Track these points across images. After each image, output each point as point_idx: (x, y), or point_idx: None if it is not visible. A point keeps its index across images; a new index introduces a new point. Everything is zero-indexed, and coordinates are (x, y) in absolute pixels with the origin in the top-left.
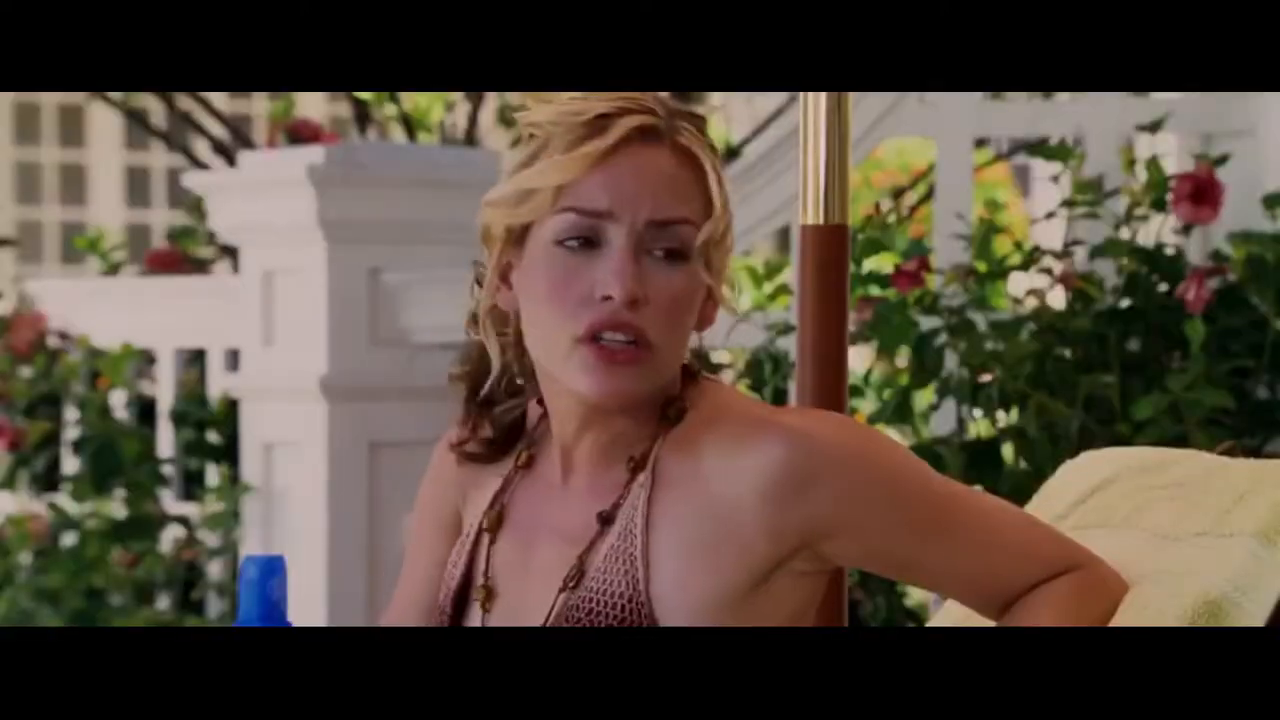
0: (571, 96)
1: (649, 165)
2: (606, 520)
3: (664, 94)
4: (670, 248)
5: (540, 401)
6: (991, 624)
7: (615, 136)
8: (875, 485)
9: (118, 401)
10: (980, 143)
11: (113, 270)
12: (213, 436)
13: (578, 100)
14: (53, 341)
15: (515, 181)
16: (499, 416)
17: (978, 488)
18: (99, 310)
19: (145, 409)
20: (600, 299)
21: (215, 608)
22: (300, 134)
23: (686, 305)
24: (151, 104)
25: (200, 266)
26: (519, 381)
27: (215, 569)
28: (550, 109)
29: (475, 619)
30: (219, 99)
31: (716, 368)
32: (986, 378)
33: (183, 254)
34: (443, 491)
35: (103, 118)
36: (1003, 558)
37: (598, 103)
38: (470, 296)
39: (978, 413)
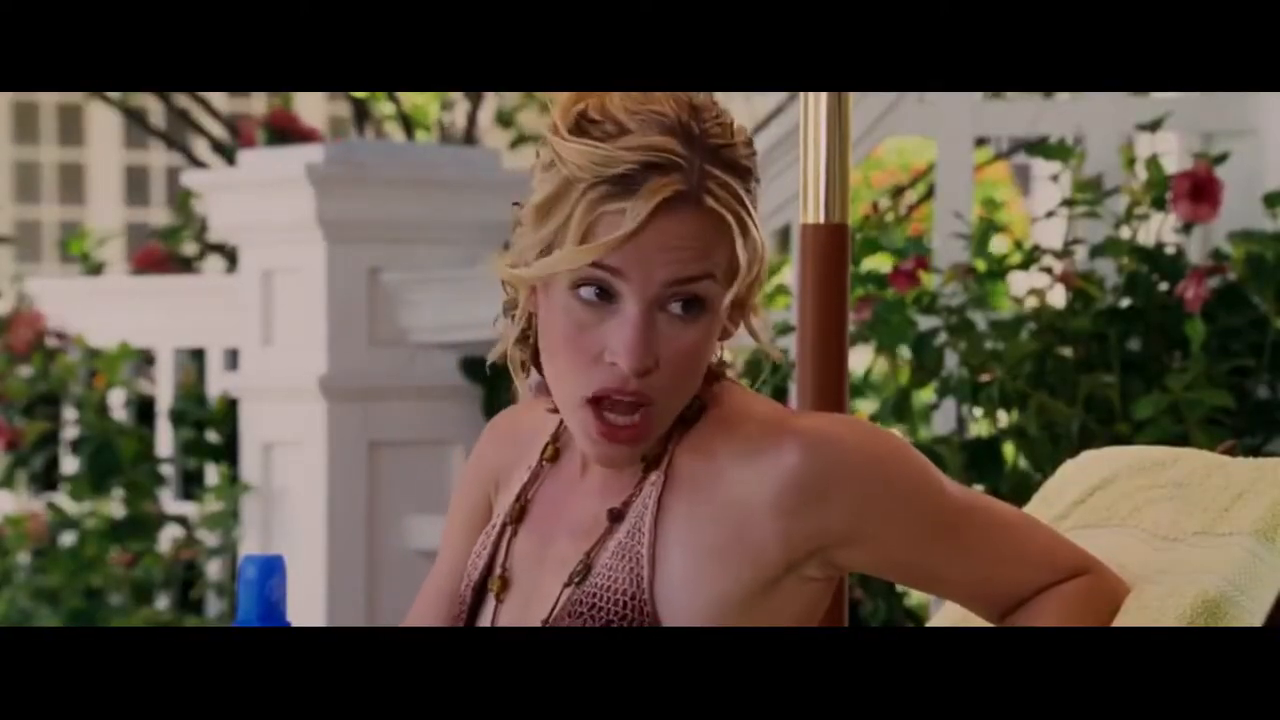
0: (602, 124)
1: (671, 232)
2: (616, 517)
3: (696, 127)
4: (688, 300)
5: None
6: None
7: (641, 217)
8: (891, 496)
9: (116, 401)
10: (980, 142)
11: (96, 270)
12: (212, 436)
13: (604, 147)
14: (51, 341)
15: (539, 266)
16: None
17: (978, 488)
18: (97, 309)
19: (144, 408)
20: (609, 363)
21: (214, 608)
22: (285, 129)
23: (700, 358)
24: (150, 104)
25: (187, 265)
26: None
27: (214, 569)
28: (574, 149)
29: (489, 609)
30: (218, 99)
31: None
32: (986, 377)
33: (169, 253)
34: (477, 482)
35: (102, 117)
36: (1013, 566)
37: (624, 151)
38: (499, 322)
39: (978, 412)
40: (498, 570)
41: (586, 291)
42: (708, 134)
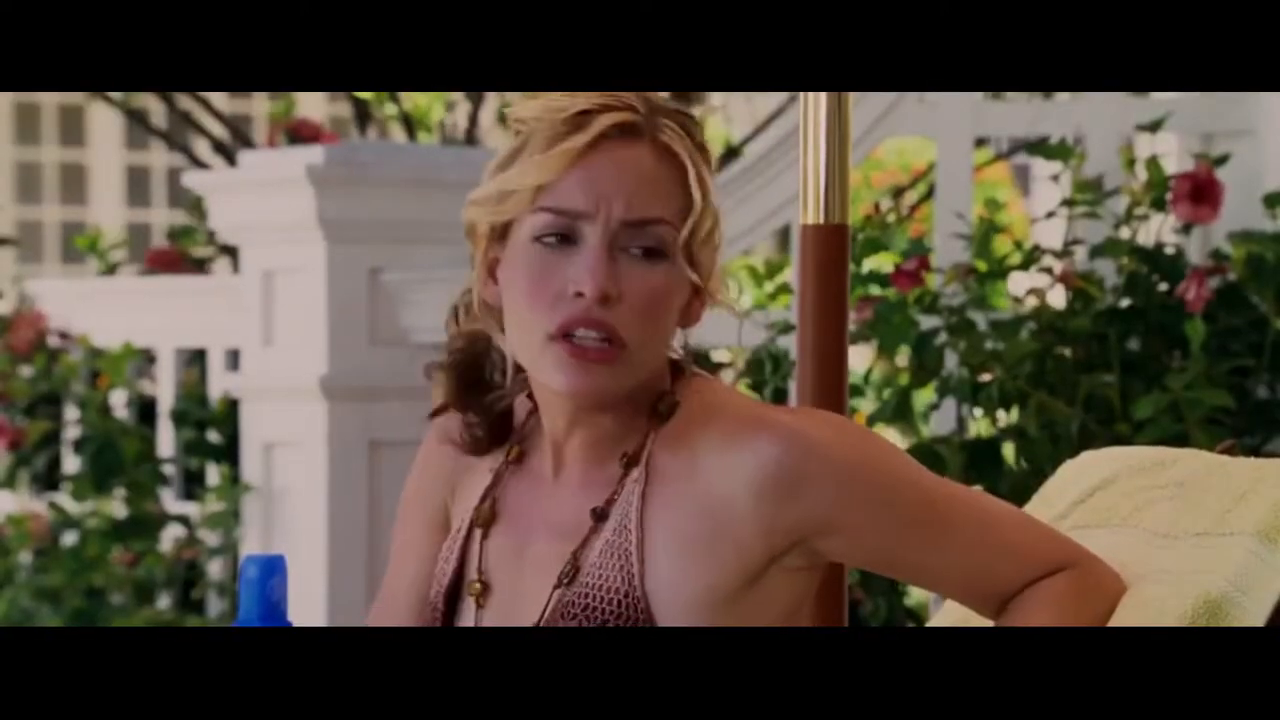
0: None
1: (626, 163)
2: (600, 516)
3: (659, 93)
4: (647, 246)
5: (530, 396)
6: (990, 623)
7: (592, 133)
8: (869, 484)
9: (118, 401)
10: (980, 142)
11: (111, 270)
12: (213, 436)
13: (562, 97)
14: (53, 341)
15: (497, 181)
16: (489, 405)
17: (978, 488)
18: (99, 310)
19: (145, 408)
20: (573, 295)
21: (215, 607)
22: (300, 134)
23: (664, 303)
24: (152, 104)
25: (199, 266)
26: (505, 374)
27: (215, 568)
28: (534, 105)
29: (469, 614)
30: (219, 99)
31: (716, 367)
32: (986, 377)
33: (182, 253)
34: (430, 488)
35: (103, 117)
36: (998, 556)
37: (580, 99)
38: (450, 328)
39: (978, 412)
40: (473, 575)
41: (549, 239)
42: (662, 101)
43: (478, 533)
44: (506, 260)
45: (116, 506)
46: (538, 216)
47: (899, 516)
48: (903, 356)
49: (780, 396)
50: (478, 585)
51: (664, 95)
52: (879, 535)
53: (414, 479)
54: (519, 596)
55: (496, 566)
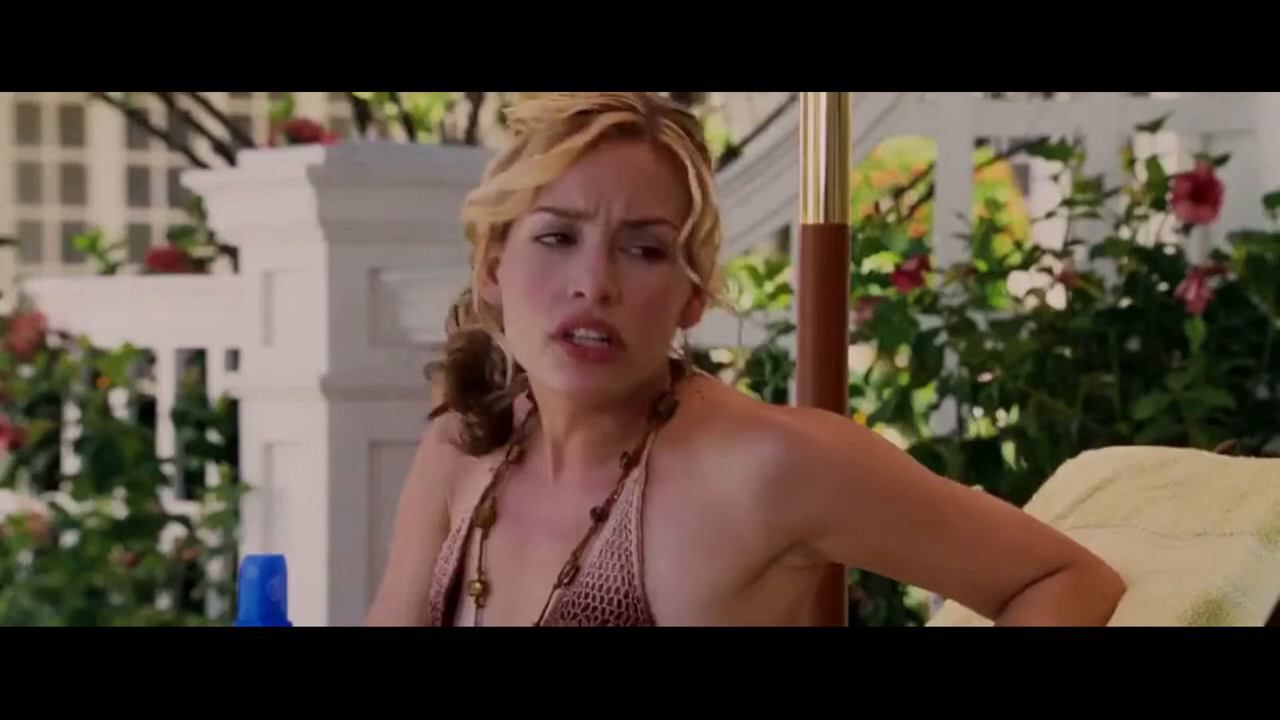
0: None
1: (626, 163)
2: (600, 516)
3: (660, 93)
4: (647, 246)
5: (530, 396)
6: (990, 623)
7: (592, 134)
8: (868, 484)
9: (118, 401)
10: (980, 142)
11: (110, 270)
12: (213, 436)
13: (562, 97)
14: (53, 341)
15: (497, 181)
16: (489, 405)
17: (978, 488)
18: (99, 310)
19: (145, 408)
20: (573, 295)
21: (215, 607)
22: (301, 134)
23: (663, 303)
24: (151, 104)
25: (200, 266)
26: (505, 374)
27: (215, 568)
28: (534, 104)
29: (469, 614)
30: (219, 99)
31: (716, 367)
32: (986, 377)
33: (182, 253)
34: (430, 488)
35: (103, 117)
36: (997, 556)
37: (580, 99)
38: (451, 328)
39: (978, 412)
40: (473, 575)
41: (549, 239)
42: (662, 101)
43: (478, 533)
44: (506, 260)
45: (116, 506)
46: (537, 216)
47: (899, 516)
48: (903, 356)
49: (780, 396)
50: (478, 585)
51: (664, 95)
52: (879, 535)
53: (413, 479)
54: (519, 596)
55: (496, 566)
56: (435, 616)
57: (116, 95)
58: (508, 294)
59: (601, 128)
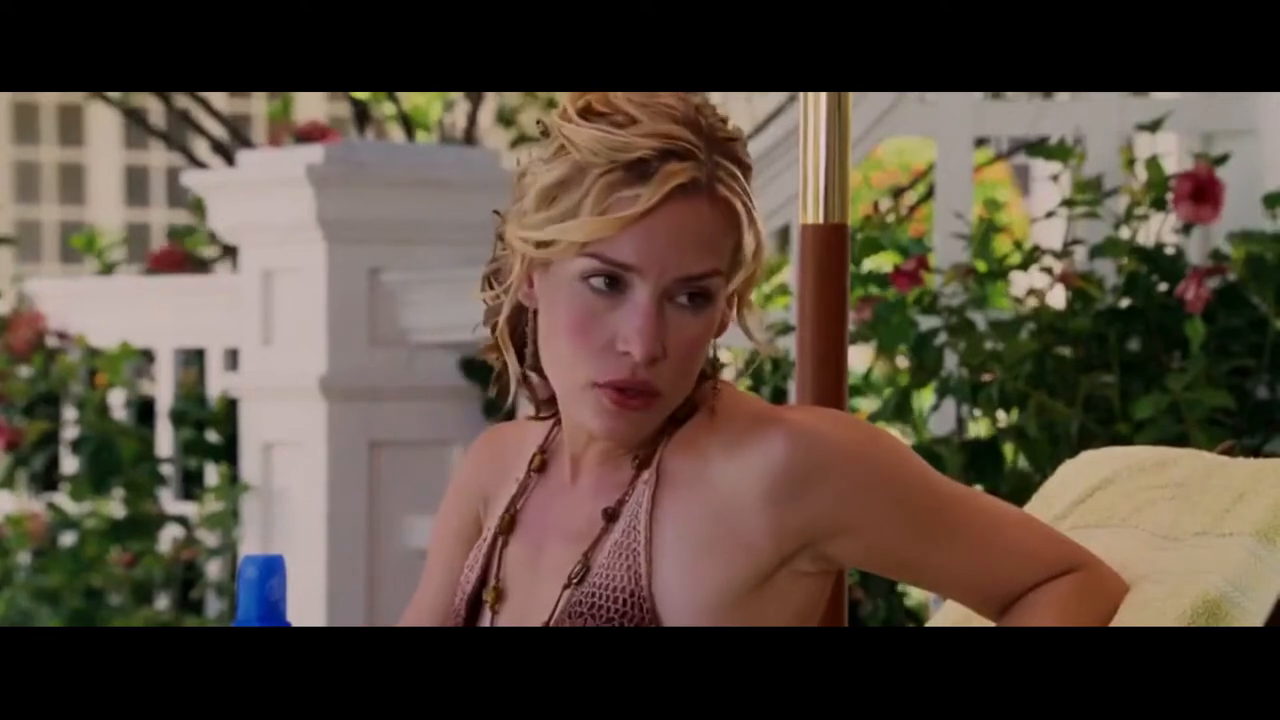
0: (612, 115)
1: (684, 224)
2: (611, 517)
3: (704, 121)
4: (695, 293)
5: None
6: (991, 624)
7: (655, 198)
8: (878, 485)
9: (116, 401)
10: (980, 142)
11: (108, 270)
12: (212, 436)
13: (620, 134)
14: (51, 341)
15: (544, 223)
16: (538, 388)
17: (978, 488)
18: (97, 310)
19: (144, 408)
20: (620, 353)
21: (214, 607)
22: (310, 136)
23: (701, 349)
24: (150, 104)
25: (202, 266)
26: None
27: (214, 569)
28: (587, 135)
29: (485, 619)
30: (218, 99)
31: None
32: (986, 378)
33: (185, 253)
34: (464, 500)
35: (102, 117)
36: (1004, 558)
37: (638, 138)
38: (483, 295)
39: (978, 413)
40: (492, 581)
41: (597, 281)
42: (714, 128)
43: (500, 541)
44: (549, 285)
45: (115, 507)
46: (587, 261)
47: (908, 515)
48: (902, 357)
49: (780, 397)
50: (494, 591)
51: (711, 112)
52: (888, 537)
53: (450, 492)
54: (532, 600)
55: (513, 573)
56: (457, 623)
57: (115, 95)
58: (546, 319)
59: (665, 191)
